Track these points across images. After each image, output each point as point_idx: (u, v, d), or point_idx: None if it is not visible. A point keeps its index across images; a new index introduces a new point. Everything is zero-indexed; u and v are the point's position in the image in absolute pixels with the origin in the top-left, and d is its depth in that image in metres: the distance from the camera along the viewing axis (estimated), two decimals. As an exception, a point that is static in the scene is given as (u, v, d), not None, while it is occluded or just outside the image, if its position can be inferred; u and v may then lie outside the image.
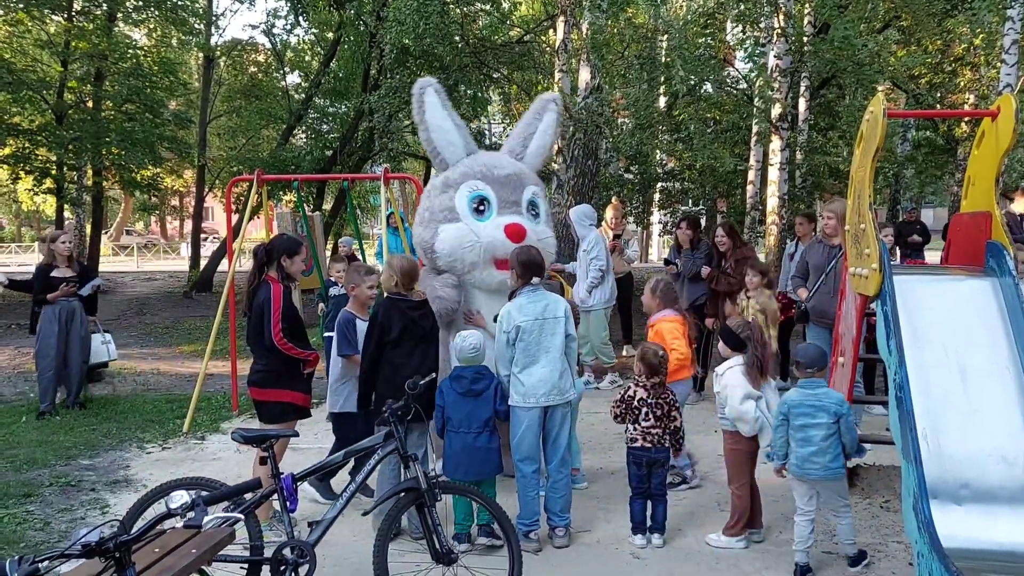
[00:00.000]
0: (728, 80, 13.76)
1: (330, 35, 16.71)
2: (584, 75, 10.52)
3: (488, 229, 4.63)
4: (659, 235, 24.42)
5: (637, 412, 4.20)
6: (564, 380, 4.26)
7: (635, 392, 4.24)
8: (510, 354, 4.23)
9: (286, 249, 4.46)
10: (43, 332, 6.91)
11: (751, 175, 12.23)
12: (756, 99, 11.51)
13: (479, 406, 4.13)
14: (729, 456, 4.26)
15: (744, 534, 4.20)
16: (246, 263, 5.84)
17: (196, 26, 18.04)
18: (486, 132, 18.03)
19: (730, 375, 4.16)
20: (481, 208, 4.71)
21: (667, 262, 7.74)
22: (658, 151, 14.80)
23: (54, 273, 6.91)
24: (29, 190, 16.43)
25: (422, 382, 3.78)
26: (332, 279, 7.18)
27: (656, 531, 4.25)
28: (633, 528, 4.28)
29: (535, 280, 4.32)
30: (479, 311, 4.79)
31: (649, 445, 4.18)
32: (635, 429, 4.21)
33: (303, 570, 3.34)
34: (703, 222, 14.08)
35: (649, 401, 4.19)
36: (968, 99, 15.38)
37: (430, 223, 4.79)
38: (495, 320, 4.36)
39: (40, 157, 15.16)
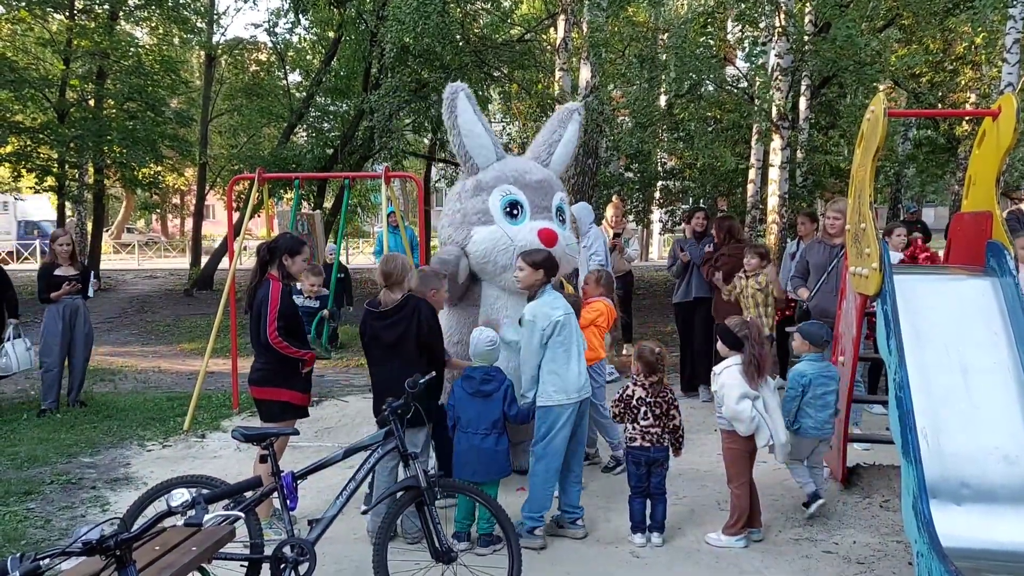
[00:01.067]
0: (728, 79, 13.74)
1: (331, 34, 16.71)
2: (584, 74, 10.52)
3: (523, 232, 4.68)
4: (660, 234, 24.40)
5: (636, 411, 4.20)
6: (590, 371, 4.36)
7: (634, 391, 4.24)
8: (541, 355, 4.18)
9: (288, 248, 4.46)
10: (47, 330, 6.96)
11: (752, 174, 12.21)
12: (756, 98, 11.50)
13: (488, 407, 4.13)
14: (727, 455, 4.26)
15: (744, 533, 4.20)
16: (247, 261, 5.83)
17: (198, 25, 18.06)
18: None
19: (727, 375, 4.15)
20: (515, 212, 4.78)
21: (680, 247, 7.79)
22: (658, 149, 14.79)
23: (57, 272, 6.95)
24: (31, 188, 16.46)
25: (422, 380, 3.76)
26: (299, 287, 6.91)
27: (656, 530, 4.25)
28: (633, 527, 4.28)
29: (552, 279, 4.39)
30: (506, 317, 4.77)
31: (648, 444, 4.18)
32: (634, 428, 4.20)
33: (303, 568, 3.34)
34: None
35: (648, 400, 4.19)
36: (969, 98, 15.34)
37: (462, 225, 4.84)
38: (520, 323, 4.32)
39: (42, 155, 15.19)
